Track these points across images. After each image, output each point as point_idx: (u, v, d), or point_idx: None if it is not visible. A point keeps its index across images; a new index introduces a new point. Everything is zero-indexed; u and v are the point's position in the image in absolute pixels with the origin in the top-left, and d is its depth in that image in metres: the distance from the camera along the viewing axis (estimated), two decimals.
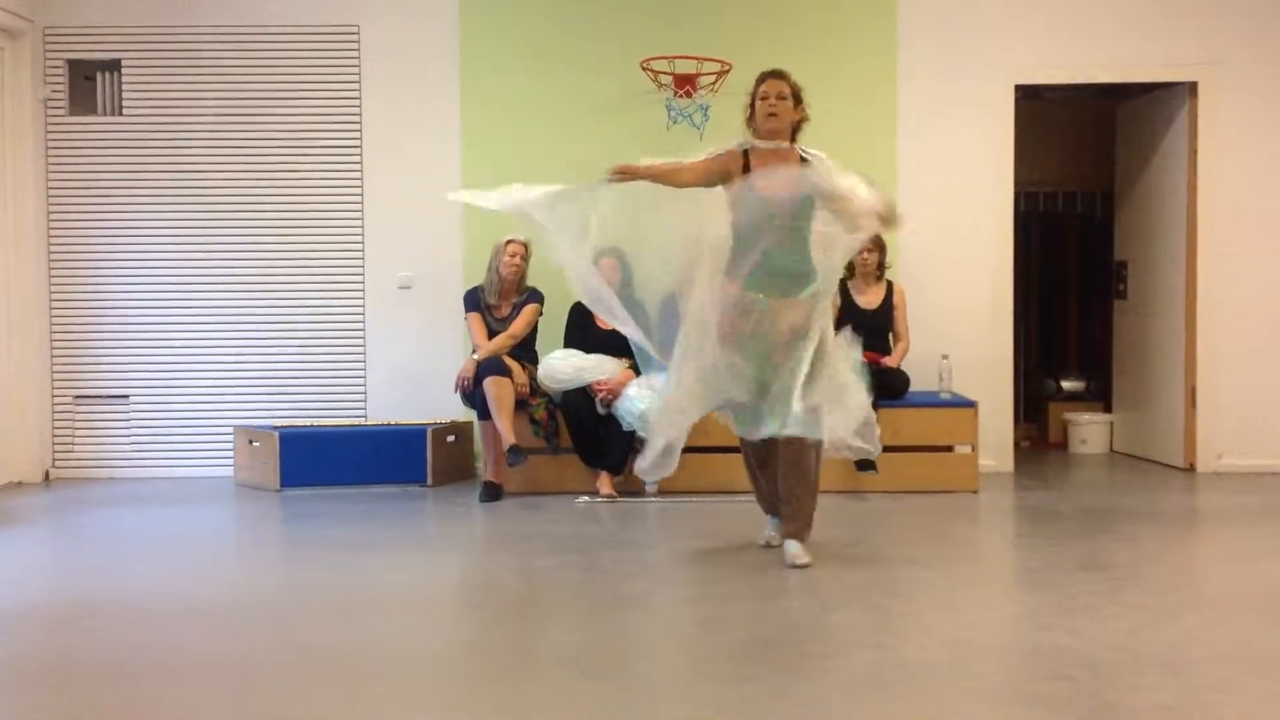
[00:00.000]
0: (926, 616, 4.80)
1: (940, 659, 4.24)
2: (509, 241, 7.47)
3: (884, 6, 8.06)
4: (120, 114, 8.15)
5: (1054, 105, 9.44)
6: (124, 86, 8.13)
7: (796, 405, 5.29)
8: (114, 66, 8.14)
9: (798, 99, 5.52)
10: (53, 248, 8.12)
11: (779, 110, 5.45)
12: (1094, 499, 7.36)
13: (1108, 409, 9.26)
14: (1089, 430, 9.06)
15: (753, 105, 5.53)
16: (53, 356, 8.14)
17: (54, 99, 8.08)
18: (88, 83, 8.16)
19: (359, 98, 8.14)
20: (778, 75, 5.53)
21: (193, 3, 8.11)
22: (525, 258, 7.51)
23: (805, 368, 5.31)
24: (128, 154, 8.13)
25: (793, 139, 5.53)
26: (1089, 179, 9.80)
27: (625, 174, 5.50)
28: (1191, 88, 8.06)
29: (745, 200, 5.40)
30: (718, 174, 5.52)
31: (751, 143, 5.53)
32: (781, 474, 5.53)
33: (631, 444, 7.23)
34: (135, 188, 8.14)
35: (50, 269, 8.12)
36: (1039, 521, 6.66)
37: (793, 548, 5.48)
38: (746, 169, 5.46)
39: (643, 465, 5.54)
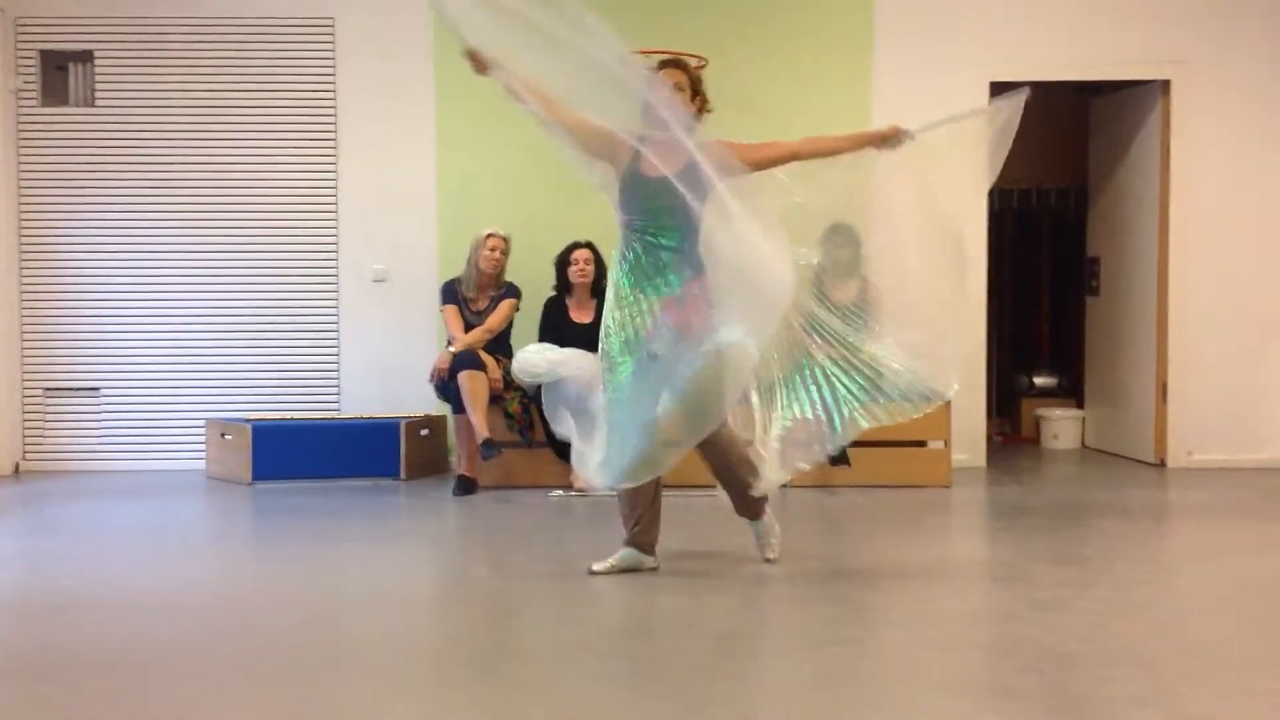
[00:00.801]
0: (897, 610, 4.82)
1: (910, 652, 4.25)
2: (489, 235, 7.46)
3: (860, 2, 8.07)
4: (93, 105, 8.10)
5: (1028, 101, 9.45)
6: (96, 77, 8.08)
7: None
8: (86, 57, 8.09)
9: (695, 89, 5.17)
10: (23, 239, 8.07)
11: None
12: (1065, 494, 7.40)
13: (1080, 405, 9.31)
14: (1061, 426, 9.11)
15: None
16: (23, 348, 8.09)
17: (25, 90, 8.03)
18: (59, 73, 8.11)
19: (334, 89, 8.11)
20: (674, 64, 5.20)
21: None
22: (505, 252, 7.50)
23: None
24: (100, 145, 8.09)
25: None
26: (1062, 175, 9.84)
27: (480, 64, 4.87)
28: (1164, 86, 8.10)
29: (629, 188, 5.02)
30: (602, 141, 4.98)
31: (644, 138, 4.94)
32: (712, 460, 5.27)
33: None
34: (107, 179, 8.09)
35: (21, 260, 8.06)
36: (1010, 516, 6.69)
37: (760, 526, 5.41)
38: (637, 157, 4.97)
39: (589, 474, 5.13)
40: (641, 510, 5.25)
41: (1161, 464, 8.18)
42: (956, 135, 5.39)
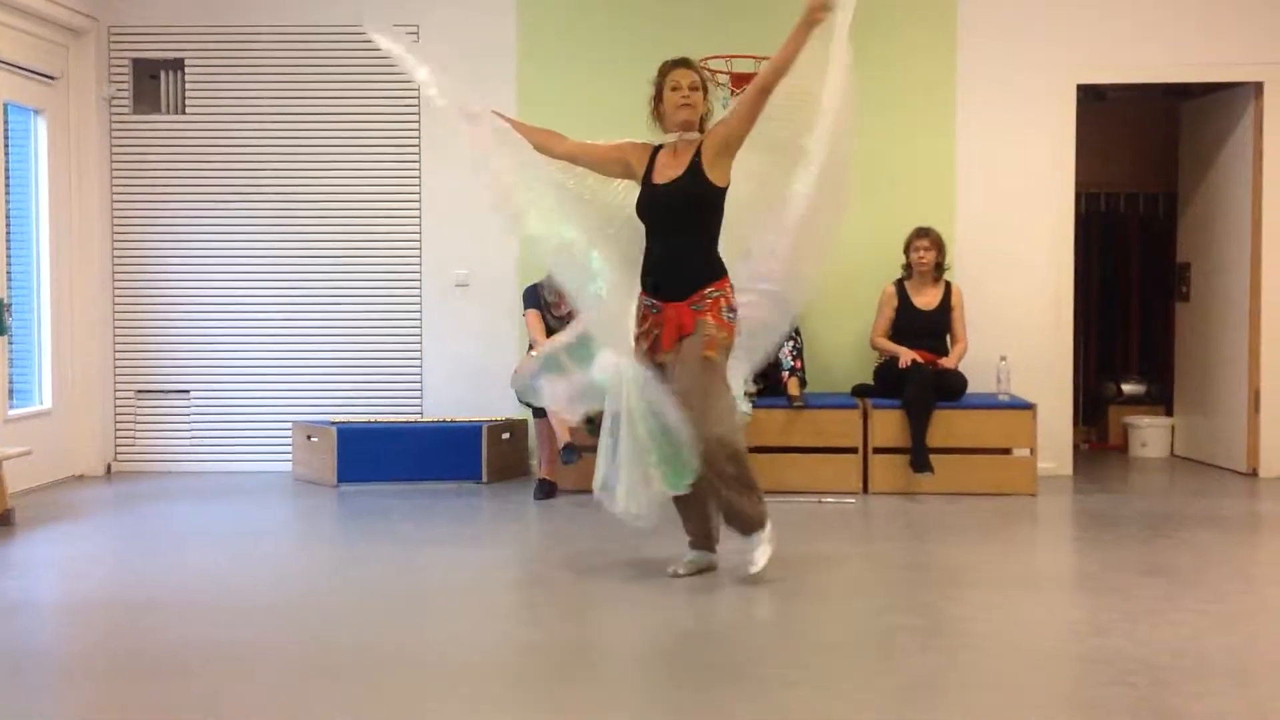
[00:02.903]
0: (983, 620, 4.76)
1: (997, 663, 4.20)
2: None
3: (944, 5, 8.00)
4: (183, 112, 8.23)
5: (1117, 105, 9.33)
6: (187, 85, 8.21)
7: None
8: (177, 65, 8.23)
9: (706, 89, 5.28)
10: (116, 244, 8.22)
11: (692, 100, 5.19)
12: (1154, 503, 7.27)
13: (1169, 412, 9.15)
14: (1149, 434, 8.95)
15: (659, 95, 5.24)
16: (115, 352, 8.24)
17: (118, 97, 8.18)
18: (152, 81, 8.25)
19: (418, 95, 8.15)
20: (687, 64, 5.26)
21: (255, 2, 8.18)
22: None
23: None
24: (190, 152, 8.21)
25: (701, 129, 5.26)
26: (1152, 180, 9.67)
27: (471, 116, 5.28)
28: (1257, 88, 7.94)
29: (644, 196, 5.21)
30: (617, 162, 5.29)
31: (662, 141, 5.28)
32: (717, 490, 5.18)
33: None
34: (197, 185, 8.22)
35: (114, 265, 8.21)
36: (1098, 526, 6.59)
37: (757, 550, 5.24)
38: (651, 166, 5.22)
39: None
40: (693, 513, 5.33)
41: (1253, 473, 8.01)
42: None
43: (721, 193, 5.16)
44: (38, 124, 7.76)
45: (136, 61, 8.23)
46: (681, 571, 5.29)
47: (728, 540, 5.35)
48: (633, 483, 5.03)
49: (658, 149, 5.28)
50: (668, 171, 5.18)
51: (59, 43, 7.85)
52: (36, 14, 7.48)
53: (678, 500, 5.23)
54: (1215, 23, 7.93)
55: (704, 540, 5.39)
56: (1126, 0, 7.97)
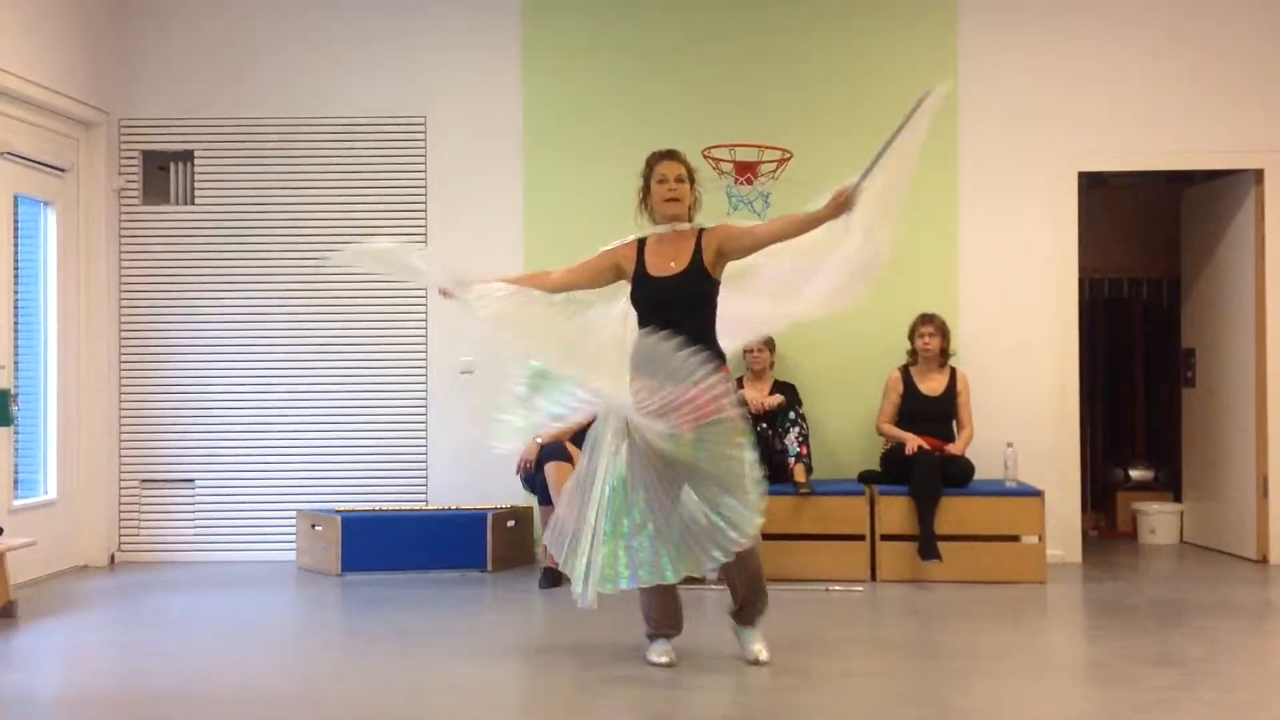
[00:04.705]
0: (992, 711, 4.71)
1: None
2: None
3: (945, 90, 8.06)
4: (192, 203, 8.30)
5: (1119, 191, 9.40)
6: (196, 176, 8.30)
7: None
8: (187, 157, 8.32)
9: (692, 180, 5.36)
10: (123, 334, 8.25)
11: (679, 193, 5.28)
12: (1164, 591, 7.22)
13: (1177, 498, 9.10)
14: (1158, 520, 8.90)
15: (648, 188, 5.35)
16: (120, 441, 8.24)
17: (128, 189, 8.26)
18: (161, 173, 8.33)
19: (424, 185, 8.25)
20: (673, 156, 5.34)
21: (263, 95, 8.29)
22: None
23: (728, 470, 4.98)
24: (199, 243, 8.27)
25: (689, 219, 5.34)
26: (1155, 265, 9.72)
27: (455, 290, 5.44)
28: (1258, 175, 8.00)
29: (640, 288, 5.26)
30: (608, 270, 5.36)
31: (647, 231, 5.36)
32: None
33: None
34: (205, 276, 8.27)
35: (120, 355, 8.24)
36: (1108, 614, 6.53)
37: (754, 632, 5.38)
38: (641, 259, 5.28)
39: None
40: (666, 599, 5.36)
41: (1263, 561, 7.95)
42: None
43: (718, 285, 5.25)
44: (47, 215, 7.83)
45: (146, 153, 8.32)
46: (670, 659, 5.27)
47: (710, 626, 5.30)
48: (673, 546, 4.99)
49: (643, 240, 5.34)
50: (664, 264, 5.24)
51: (69, 135, 7.95)
52: (48, 107, 7.58)
53: (651, 589, 5.19)
54: (1216, 111, 8.00)
55: (673, 625, 5.38)
56: (1128, 88, 8.05)
